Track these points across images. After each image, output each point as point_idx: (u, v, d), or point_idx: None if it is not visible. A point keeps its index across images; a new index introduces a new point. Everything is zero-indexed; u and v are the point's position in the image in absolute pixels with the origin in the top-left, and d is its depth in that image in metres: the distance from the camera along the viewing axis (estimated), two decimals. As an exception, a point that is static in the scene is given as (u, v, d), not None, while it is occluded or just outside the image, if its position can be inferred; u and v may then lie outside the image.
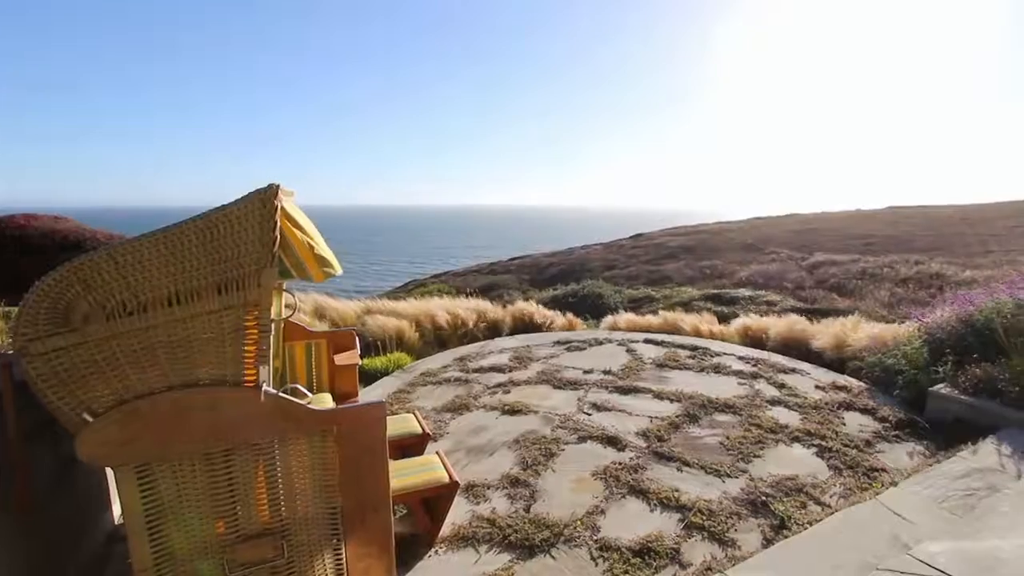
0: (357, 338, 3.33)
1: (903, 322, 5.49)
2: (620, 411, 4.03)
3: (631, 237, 30.66)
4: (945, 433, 3.56)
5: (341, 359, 3.12)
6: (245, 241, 1.83)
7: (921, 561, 2.05)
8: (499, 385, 4.67)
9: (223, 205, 1.95)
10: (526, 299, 12.05)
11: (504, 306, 8.01)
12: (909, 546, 2.23)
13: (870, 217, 31.24)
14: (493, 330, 7.22)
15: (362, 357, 5.36)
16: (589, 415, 3.98)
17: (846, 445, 3.41)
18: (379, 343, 5.97)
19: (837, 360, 5.30)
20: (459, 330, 6.89)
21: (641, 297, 12.74)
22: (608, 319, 8.21)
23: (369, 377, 5.14)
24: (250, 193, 1.94)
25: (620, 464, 3.21)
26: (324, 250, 2.24)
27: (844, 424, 3.76)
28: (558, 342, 6.08)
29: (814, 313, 8.22)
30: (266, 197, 1.87)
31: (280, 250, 2.01)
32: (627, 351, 5.64)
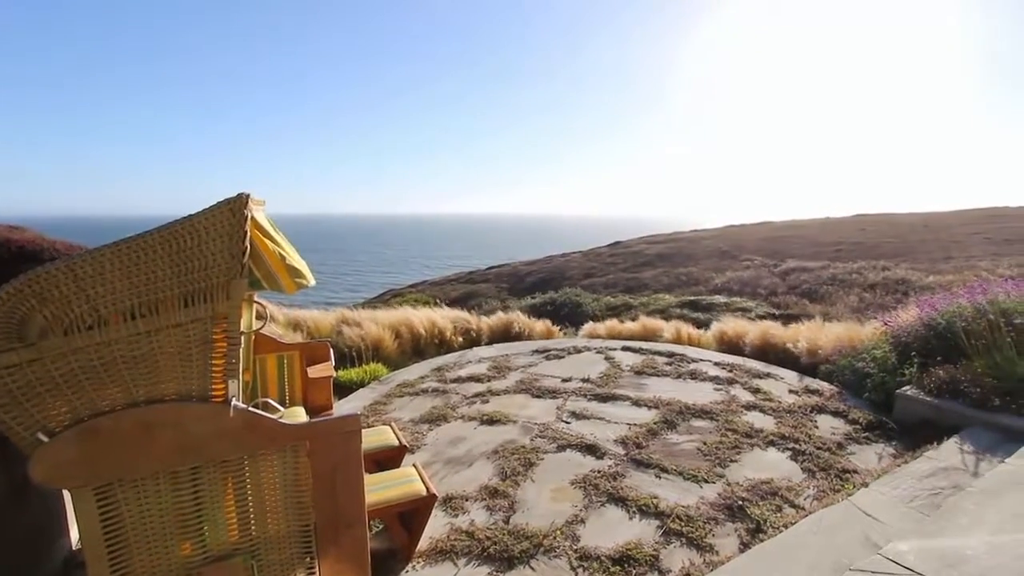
0: (331, 350, 3.27)
1: (867, 327, 5.65)
2: (599, 419, 4.04)
3: (609, 245, 30.99)
4: (912, 434, 3.66)
5: (315, 371, 3.06)
6: (213, 252, 1.78)
7: (891, 560, 2.09)
8: (477, 395, 4.63)
9: (190, 215, 1.91)
10: (505, 308, 12.05)
11: (482, 315, 7.99)
12: (879, 546, 2.28)
13: (838, 225, 32.21)
14: (471, 339, 7.18)
15: (337, 369, 5.27)
16: (568, 424, 3.98)
17: (819, 448, 3.47)
18: (355, 354, 5.87)
19: (810, 364, 5.42)
20: (437, 340, 6.83)
21: (619, 304, 12.86)
22: (587, 327, 8.26)
23: (344, 389, 5.05)
24: (219, 202, 1.90)
25: (599, 472, 3.21)
26: (296, 261, 2.20)
27: (817, 427, 3.83)
28: (537, 351, 6.08)
29: (787, 318, 8.41)
30: (235, 206, 1.83)
31: (250, 261, 1.97)
32: (605, 359, 5.67)
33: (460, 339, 7.04)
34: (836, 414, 4.05)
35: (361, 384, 5.18)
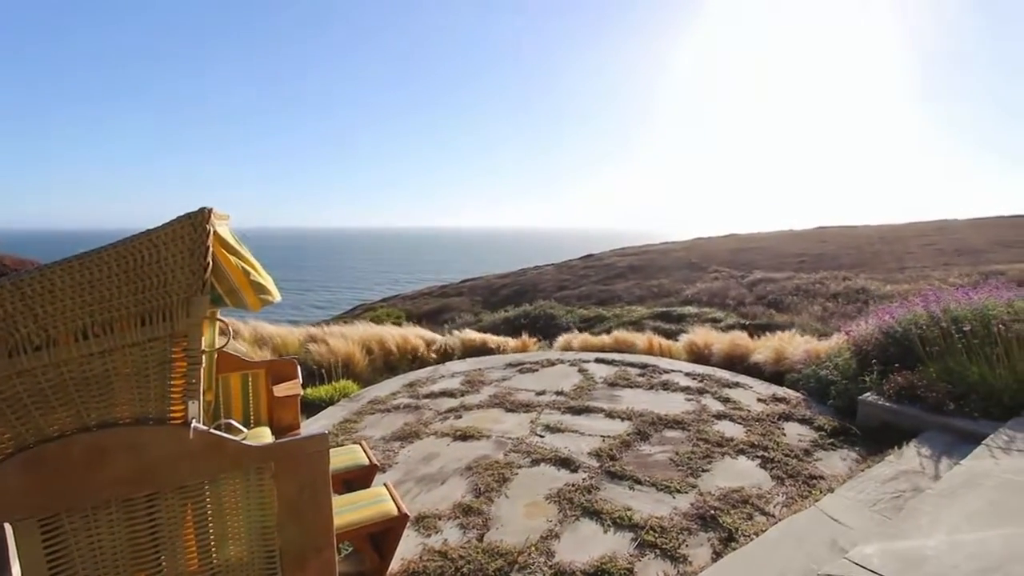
0: (299, 367, 3.19)
1: (830, 335, 5.84)
2: (573, 432, 4.04)
3: (581, 258, 31.32)
4: (875, 438, 3.78)
5: (281, 390, 2.97)
6: (173, 268, 1.73)
7: (856, 564, 2.13)
8: (450, 410, 4.58)
9: (149, 229, 1.85)
10: (478, 321, 12.01)
11: (455, 329, 7.94)
12: (846, 549, 2.33)
13: (800, 236, 33.35)
14: (444, 354, 7.12)
15: (306, 386, 5.15)
16: (542, 437, 3.97)
17: (787, 455, 3.54)
18: (324, 371, 5.74)
19: (777, 373, 5.55)
20: (409, 355, 6.75)
21: (592, 317, 12.97)
22: (560, 339, 8.29)
23: (313, 407, 4.93)
24: (180, 216, 1.84)
25: (573, 486, 3.20)
26: (261, 276, 2.14)
27: (784, 435, 3.91)
28: (510, 364, 6.06)
29: (755, 328, 8.62)
30: (197, 221, 1.78)
31: (212, 277, 1.91)
32: (579, 371, 5.69)
33: (433, 354, 6.96)
34: (803, 421, 4.15)
35: (330, 402, 5.06)
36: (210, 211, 1.83)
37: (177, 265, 1.73)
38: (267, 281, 2.15)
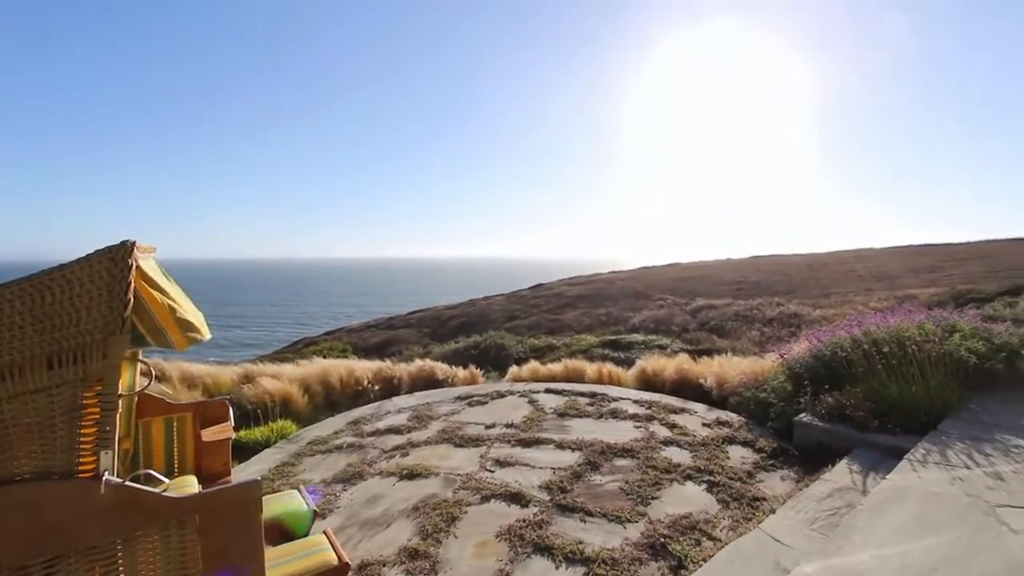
0: (231, 408, 3.00)
1: (767, 358, 6.12)
2: (523, 465, 3.98)
3: (531, 288, 31.63)
4: (811, 458, 3.94)
5: (210, 433, 2.78)
6: (88, 305, 1.61)
7: (799, 585, 2.19)
8: (397, 448, 4.42)
9: (62, 264, 1.72)
10: (427, 353, 11.78)
11: (402, 362, 7.75)
12: (788, 570, 2.39)
13: (737, 265, 35.22)
14: (391, 388, 6.92)
15: (239, 428, 4.84)
16: (492, 472, 3.89)
17: (731, 478, 3.63)
18: (260, 411, 5.43)
19: (720, 397, 5.73)
20: (353, 391, 6.51)
21: (543, 346, 13.02)
22: (511, 370, 8.25)
23: (248, 451, 4.62)
24: (98, 250, 1.73)
25: (524, 521, 3.14)
26: (189, 313, 2.02)
27: (729, 458, 4.02)
28: (459, 397, 5.96)
29: (699, 353, 8.91)
30: (117, 255, 1.68)
31: (134, 315, 1.79)
32: (529, 402, 5.66)
33: (378, 388, 6.75)
34: (745, 444, 4.28)
35: (266, 444, 4.77)
36: (133, 244, 1.73)
37: (93, 302, 1.61)
38: (195, 318, 2.03)
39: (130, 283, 1.66)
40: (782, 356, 5.39)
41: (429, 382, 7.20)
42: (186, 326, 1.95)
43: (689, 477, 3.69)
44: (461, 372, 7.61)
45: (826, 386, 4.47)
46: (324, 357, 8.65)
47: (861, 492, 3.17)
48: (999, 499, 2.74)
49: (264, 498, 2.15)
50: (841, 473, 3.47)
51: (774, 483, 3.61)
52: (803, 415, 4.35)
